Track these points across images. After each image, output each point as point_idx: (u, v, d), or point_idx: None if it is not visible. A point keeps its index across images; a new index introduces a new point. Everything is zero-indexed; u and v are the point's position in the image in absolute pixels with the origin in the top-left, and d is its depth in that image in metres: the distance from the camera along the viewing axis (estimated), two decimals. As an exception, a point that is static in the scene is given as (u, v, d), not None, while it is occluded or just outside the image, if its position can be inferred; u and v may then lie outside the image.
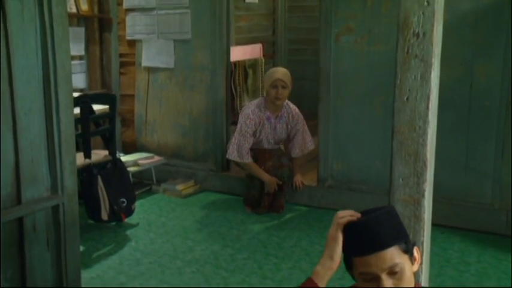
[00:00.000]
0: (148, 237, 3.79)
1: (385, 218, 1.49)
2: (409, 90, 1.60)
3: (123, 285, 3.08)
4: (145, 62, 5.12)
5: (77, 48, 5.02)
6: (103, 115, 3.94)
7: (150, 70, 5.13)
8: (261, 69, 7.06)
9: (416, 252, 1.53)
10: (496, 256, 3.47)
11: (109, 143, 3.98)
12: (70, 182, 2.30)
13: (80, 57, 5.16)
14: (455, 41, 3.77)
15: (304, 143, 4.41)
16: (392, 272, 1.44)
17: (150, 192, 4.82)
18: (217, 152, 4.89)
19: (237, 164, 4.34)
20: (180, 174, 5.01)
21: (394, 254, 1.45)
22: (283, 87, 4.17)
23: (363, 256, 1.46)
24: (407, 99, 1.61)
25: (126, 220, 3.99)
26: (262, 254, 3.51)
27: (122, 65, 5.29)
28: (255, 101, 4.39)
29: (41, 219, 2.24)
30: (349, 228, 1.51)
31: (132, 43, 5.18)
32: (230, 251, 3.57)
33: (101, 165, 3.82)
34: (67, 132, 2.25)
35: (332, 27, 4.23)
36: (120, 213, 3.83)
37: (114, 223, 3.98)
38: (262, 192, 4.25)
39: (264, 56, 7.21)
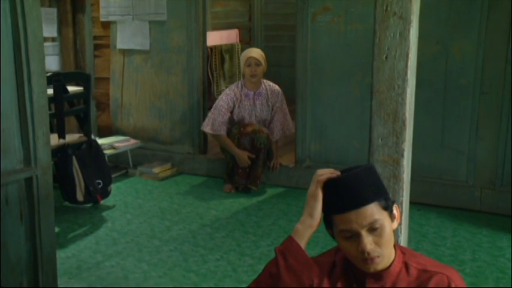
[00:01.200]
0: (125, 218, 3.74)
1: (364, 175, 1.48)
2: (388, 48, 1.60)
3: (99, 264, 3.03)
4: (120, 44, 5.03)
5: (49, 29, 4.91)
6: (77, 94, 3.86)
7: (125, 52, 5.05)
8: (238, 54, 7.02)
9: (395, 210, 1.53)
10: (471, 231, 3.51)
11: (84, 124, 3.91)
12: (44, 154, 2.24)
13: (53, 39, 5.05)
14: (432, 19, 3.79)
15: (285, 121, 4.45)
16: (373, 229, 1.44)
17: (126, 175, 4.76)
18: (195, 135, 4.85)
19: (212, 135, 4.40)
20: (156, 158, 4.95)
21: (374, 210, 1.44)
22: (257, 65, 4.31)
23: (343, 213, 1.45)
24: (386, 57, 1.60)
25: (102, 202, 3.94)
26: (240, 233, 3.49)
27: (96, 47, 5.20)
28: (235, 83, 4.56)
29: (14, 192, 2.18)
30: (328, 186, 1.50)
31: (107, 25, 5.09)
32: (208, 230, 3.54)
33: (75, 146, 3.76)
34: (39, 102, 2.19)
35: (309, 6, 4.22)
36: (96, 195, 3.78)
37: (89, 205, 3.92)
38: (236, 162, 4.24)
39: (240, 41, 7.17)
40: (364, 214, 1.43)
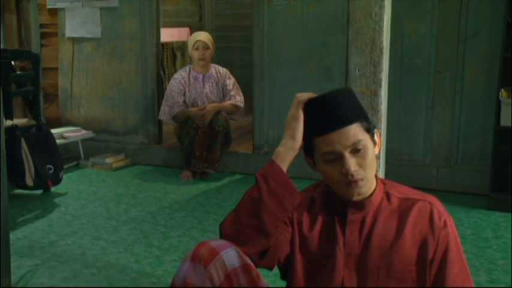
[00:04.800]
0: (79, 203, 3.56)
1: (345, 96, 1.44)
2: (364, -26, 1.57)
3: (54, 243, 2.85)
4: (69, 33, 4.84)
5: (-8, 16, 4.68)
6: (25, 75, 3.67)
7: (74, 41, 4.86)
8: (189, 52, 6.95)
9: (376, 136, 1.49)
10: (431, 205, 3.54)
11: (33, 107, 3.72)
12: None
13: (-5, 26, 4.82)
14: (386, 0, 3.85)
15: (237, 96, 4.38)
16: (356, 150, 1.39)
17: (77, 167, 4.55)
18: (149, 124, 4.72)
19: (173, 119, 4.31)
20: (109, 149, 4.77)
21: (356, 131, 1.39)
22: (205, 48, 4.29)
23: (326, 134, 1.39)
24: (362, -16, 1.58)
25: (53, 189, 3.74)
26: (201, 212, 3.39)
27: (43, 36, 4.98)
28: (183, 67, 4.59)
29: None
30: (309, 107, 1.44)
31: (54, 12, 4.89)
32: (168, 211, 3.42)
33: (24, 129, 3.55)
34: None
35: (265, -11, 4.20)
36: (47, 180, 3.57)
37: (40, 192, 3.71)
38: (194, 141, 4.11)
39: (191, 40, 7.09)
40: (347, 134, 1.38)
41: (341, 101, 1.41)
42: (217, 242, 1.34)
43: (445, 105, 3.88)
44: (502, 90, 3.39)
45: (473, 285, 1.45)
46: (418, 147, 3.99)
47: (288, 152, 1.43)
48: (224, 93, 4.38)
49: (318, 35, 4.07)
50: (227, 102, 4.31)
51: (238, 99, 4.35)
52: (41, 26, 4.95)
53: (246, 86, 4.53)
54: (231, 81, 4.40)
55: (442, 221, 1.44)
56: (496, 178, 3.50)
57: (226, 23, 7.85)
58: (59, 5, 4.83)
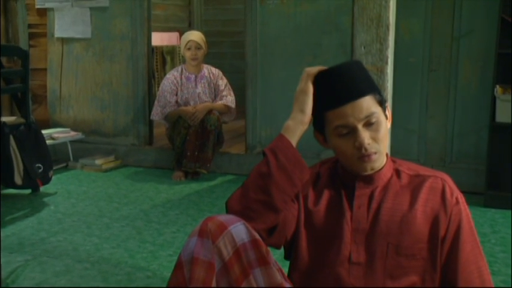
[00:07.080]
0: (69, 202, 3.48)
1: (357, 68, 1.40)
2: None
3: (44, 239, 2.76)
4: (58, 33, 4.77)
5: (-21, 16, 4.59)
6: (14, 71, 3.59)
7: (64, 41, 4.79)
8: (179, 56, 6.91)
9: (388, 111, 1.45)
10: (427, 203, 3.51)
11: (21, 104, 3.63)
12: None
13: (-18, 27, 4.73)
14: (379, -2, 3.84)
15: (229, 96, 4.33)
16: (369, 123, 1.34)
17: (66, 168, 4.46)
18: (140, 125, 4.64)
19: (165, 119, 4.23)
20: (99, 151, 4.68)
21: (370, 103, 1.35)
22: (198, 48, 4.24)
23: (338, 107, 1.34)
24: (368, -42, 1.55)
25: (42, 189, 3.65)
26: (195, 210, 3.32)
27: (32, 36, 4.90)
28: (175, 67, 4.54)
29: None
30: (320, 80, 1.40)
31: (43, 12, 4.82)
32: (161, 209, 3.34)
33: (13, 127, 3.46)
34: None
35: (257, -12, 4.18)
36: (36, 179, 3.48)
37: (28, 192, 3.61)
38: (185, 141, 4.04)
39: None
40: (360, 106, 1.34)
41: (353, 73, 1.37)
42: (225, 217, 1.28)
43: (440, 103, 3.87)
44: (498, 86, 3.39)
45: (487, 264, 1.40)
46: (412, 146, 3.97)
47: (297, 125, 1.39)
48: (216, 94, 4.33)
49: (311, 34, 4.05)
50: (219, 103, 4.26)
51: (230, 99, 4.30)
52: (29, 26, 4.87)
53: (236, 92, 4.48)
54: (223, 82, 4.36)
55: (454, 197, 1.40)
56: (492, 175, 3.49)
57: (216, 28, 7.83)
58: (47, 5, 4.75)
